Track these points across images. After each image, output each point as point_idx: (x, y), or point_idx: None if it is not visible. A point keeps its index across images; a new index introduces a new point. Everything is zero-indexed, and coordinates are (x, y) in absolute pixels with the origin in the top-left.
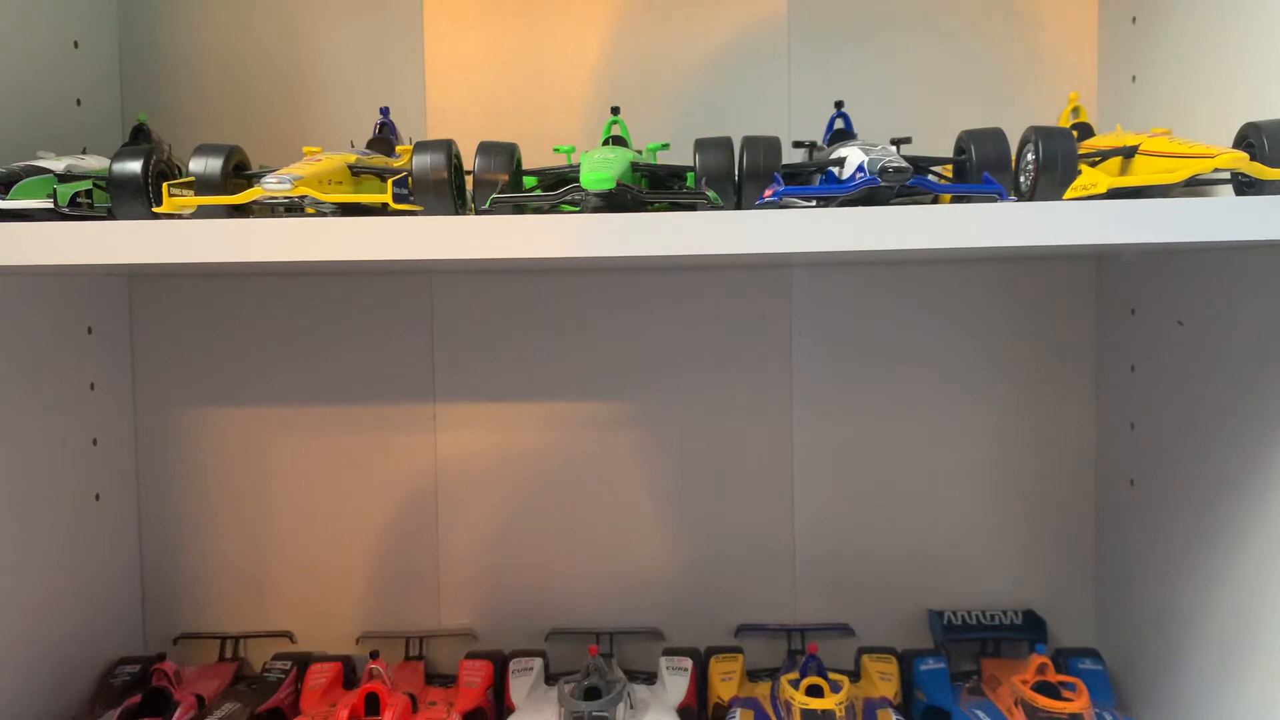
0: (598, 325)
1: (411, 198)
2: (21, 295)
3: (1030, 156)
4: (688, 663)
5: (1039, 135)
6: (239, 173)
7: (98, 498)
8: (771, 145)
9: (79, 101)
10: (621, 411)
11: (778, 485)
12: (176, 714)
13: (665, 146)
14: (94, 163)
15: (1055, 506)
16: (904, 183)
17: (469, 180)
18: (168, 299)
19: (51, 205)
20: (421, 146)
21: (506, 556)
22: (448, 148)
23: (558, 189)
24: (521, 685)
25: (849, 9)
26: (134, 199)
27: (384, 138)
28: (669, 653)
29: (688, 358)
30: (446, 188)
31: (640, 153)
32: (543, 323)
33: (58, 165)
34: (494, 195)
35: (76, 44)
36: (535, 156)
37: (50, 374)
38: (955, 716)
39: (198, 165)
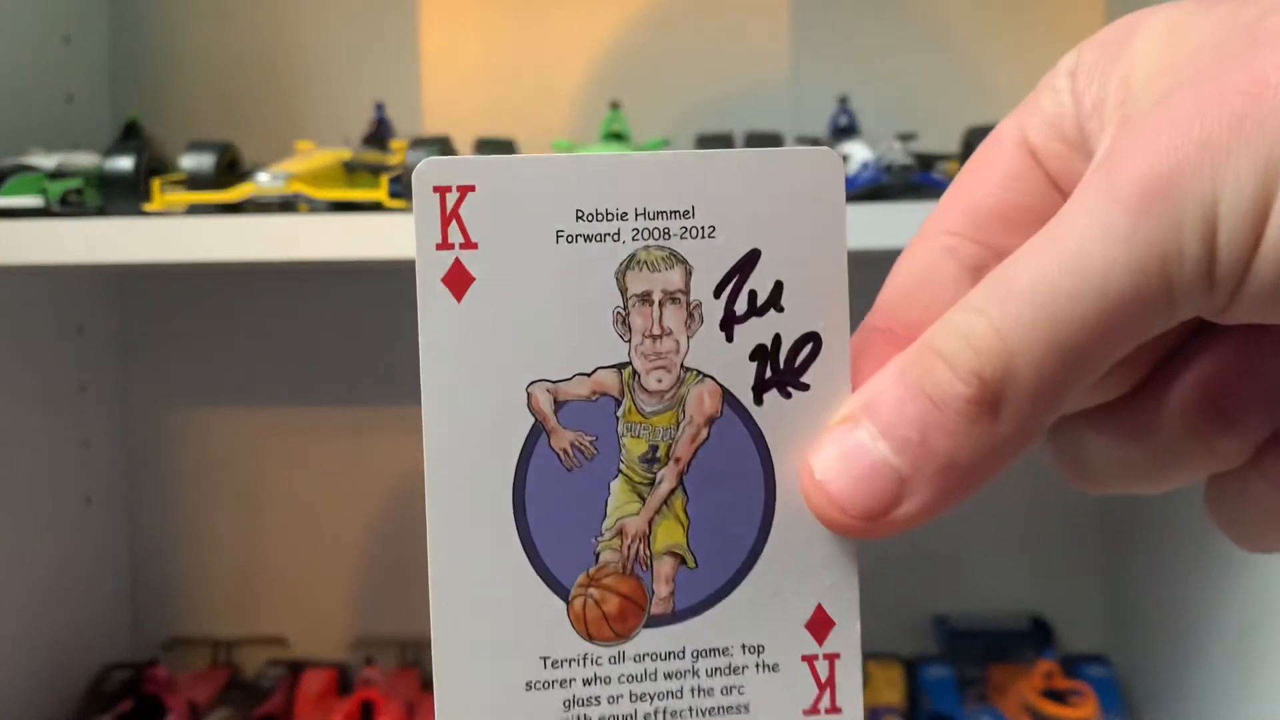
0: None
1: (407, 195)
2: (10, 295)
3: None
4: None
5: None
6: (232, 170)
7: (88, 500)
8: (774, 141)
9: (70, 98)
10: None
11: None
12: None
13: (666, 143)
14: (85, 160)
15: (1062, 509)
16: (910, 179)
17: None
18: (159, 298)
19: (42, 203)
20: (417, 143)
21: None
22: (443, 144)
23: None
24: None
25: (853, 3)
26: (126, 196)
27: (378, 134)
28: None
29: None
30: None
31: (640, 148)
32: None
33: (48, 162)
34: None
35: (67, 39)
36: (533, 152)
37: (40, 375)
38: None
39: (190, 162)
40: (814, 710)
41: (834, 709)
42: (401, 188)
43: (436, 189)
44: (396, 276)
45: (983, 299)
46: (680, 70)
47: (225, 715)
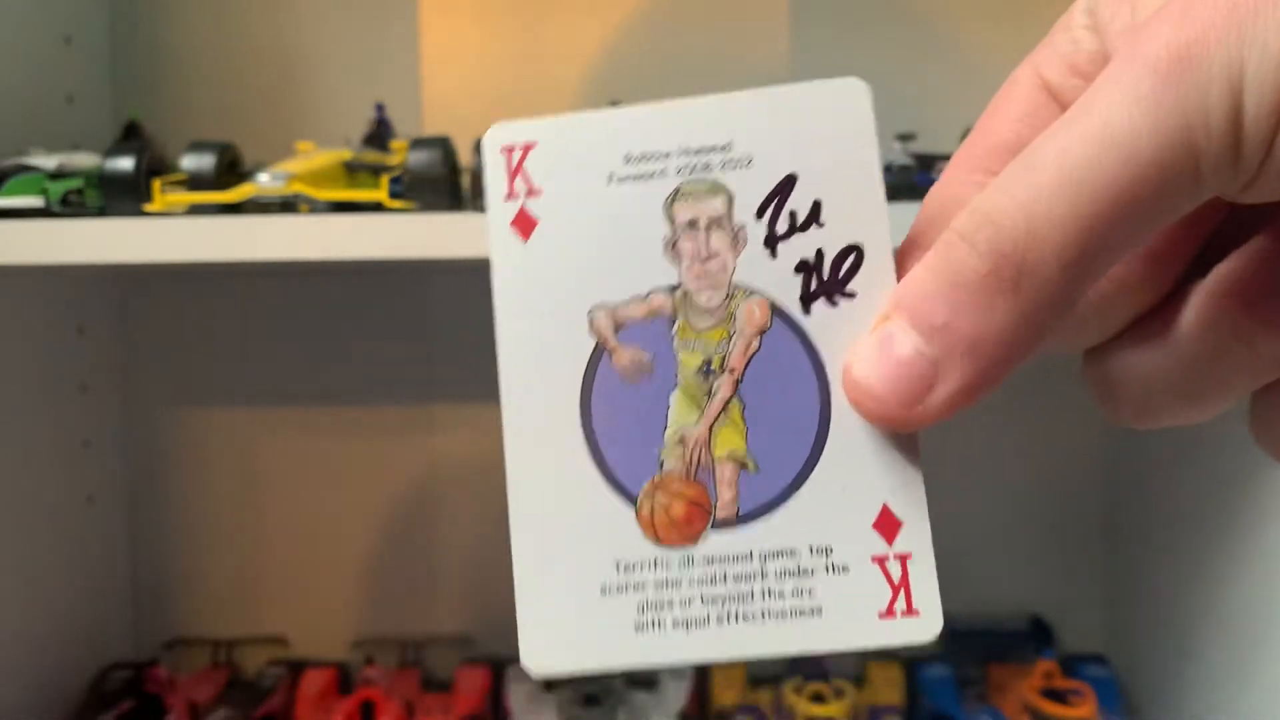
0: None
1: (407, 195)
2: (10, 295)
3: None
4: (688, 669)
5: None
6: (232, 170)
7: (89, 500)
8: None
9: (70, 98)
10: None
11: None
12: None
13: None
14: (86, 160)
15: (1062, 510)
16: (910, 179)
17: (466, 177)
18: (160, 298)
19: (43, 203)
20: (417, 143)
21: (504, 560)
22: (444, 144)
23: None
24: (520, 692)
25: (853, 4)
26: (127, 197)
27: (379, 134)
28: None
29: None
30: (443, 185)
31: None
32: None
33: (49, 163)
34: None
35: (67, 39)
36: None
37: (40, 375)
38: None
39: (190, 162)
40: (889, 613)
41: (911, 611)
42: (403, 188)
43: (503, 149)
44: (398, 276)
45: (1007, 178)
46: (680, 70)
47: (226, 715)
